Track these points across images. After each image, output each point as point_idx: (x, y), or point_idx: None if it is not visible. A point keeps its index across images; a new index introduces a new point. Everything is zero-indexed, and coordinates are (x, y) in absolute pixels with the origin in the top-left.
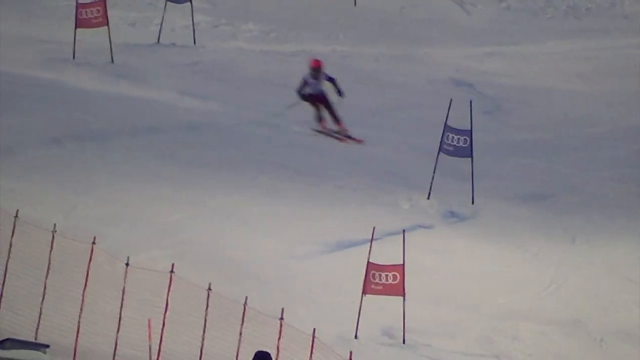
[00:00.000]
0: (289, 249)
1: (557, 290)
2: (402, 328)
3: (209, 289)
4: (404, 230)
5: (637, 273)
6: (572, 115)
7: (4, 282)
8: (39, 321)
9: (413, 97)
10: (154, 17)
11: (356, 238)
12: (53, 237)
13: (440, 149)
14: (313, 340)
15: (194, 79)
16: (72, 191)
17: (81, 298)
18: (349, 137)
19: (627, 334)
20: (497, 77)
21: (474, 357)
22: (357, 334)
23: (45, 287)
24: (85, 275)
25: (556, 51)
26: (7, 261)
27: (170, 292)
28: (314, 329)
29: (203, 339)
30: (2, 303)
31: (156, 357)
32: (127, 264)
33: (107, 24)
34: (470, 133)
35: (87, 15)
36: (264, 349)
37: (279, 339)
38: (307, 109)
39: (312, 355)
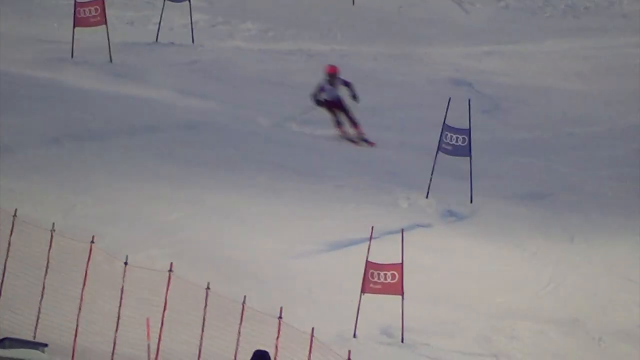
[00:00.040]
0: (287, 248)
1: (555, 289)
2: (401, 327)
3: (208, 288)
4: (402, 230)
5: (636, 272)
6: (571, 114)
7: (2, 281)
8: (37, 320)
9: (412, 96)
10: (152, 16)
11: (355, 237)
12: (52, 236)
13: (438, 148)
14: (312, 339)
15: (192, 78)
16: (71, 190)
17: (80, 297)
18: (365, 141)
19: (626, 334)
20: (495, 76)
21: (472, 356)
22: (356, 333)
23: (43, 286)
24: (84, 274)
25: (555, 50)
26: (6, 260)
27: (168, 291)
28: (312, 328)
29: (201, 338)
30: (0, 302)
31: (154, 356)
32: (125, 263)
33: (106, 23)
34: (468, 132)
35: (85, 14)
36: (263, 348)
37: (278, 338)
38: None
39: (311, 354)
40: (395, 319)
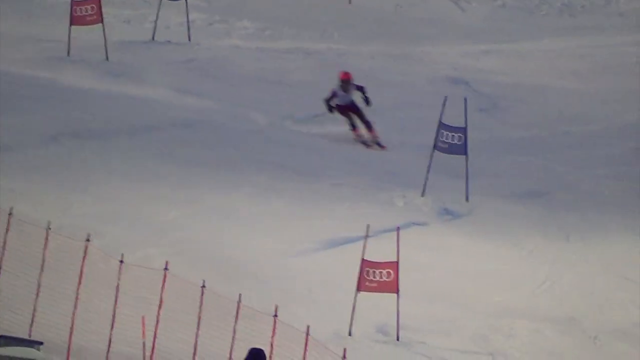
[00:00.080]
0: (284, 247)
1: (552, 287)
2: (397, 325)
3: (203, 286)
4: (398, 228)
5: (632, 271)
6: (568, 112)
7: None
8: (33, 318)
9: (411, 95)
10: (148, 14)
11: (351, 235)
12: (47, 234)
13: (434, 147)
14: (307, 338)
15: (189, 77)
16: (69, 189)
17: (75, 295)
18: (378, 144)
19: (622, 332)
20: (492, 74)
21: (468, 354)
22: (352, 331)
23: (39, 285)
24: (80, 272)
25: (551, 49)
26: (2, 258)
27: (164, 290)
28: (308, 326)
29: (197, 336)
30: None
31: (150, 354)
32: (121, 262)
33: (102, 22)
34: (465, 130)
35: (81, 12)
36: (258, 346)
37: (273, 336)
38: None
39: (307, 352)
40: (391, 317)
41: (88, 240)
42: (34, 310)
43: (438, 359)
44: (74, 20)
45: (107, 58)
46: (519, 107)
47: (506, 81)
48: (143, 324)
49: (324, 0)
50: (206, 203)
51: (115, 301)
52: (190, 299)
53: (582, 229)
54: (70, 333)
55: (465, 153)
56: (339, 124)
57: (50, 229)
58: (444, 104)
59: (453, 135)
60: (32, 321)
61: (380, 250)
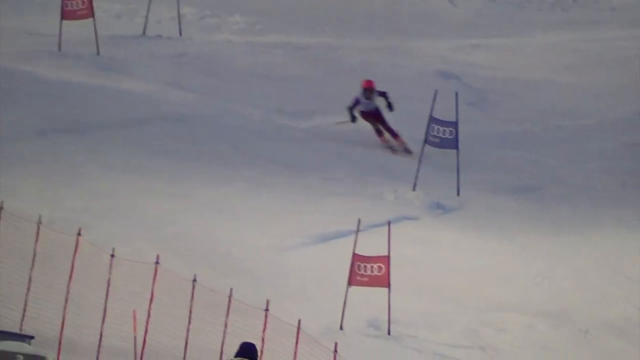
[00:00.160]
0: (275, 241)
1: (543, 282)
2: (388, 319)
3: (194, 280)
4: (389, 222)
5: (624, 265)
6: (560, 107)
7: None
8: (23, 312)
9: (400, 89)
10: (139, 9)
11: (341, 230)
12: (38, 228)
13: (425, 141)
14: (298, 332)
15: (180, 71)
16: (60, 183)
17: (66, 290)
18: (405, 150)
19: (613, 326)
20: (483, 69)
21: (459, 348)
22: (343, 325)
23: (30, 279)
24: (71, 267)
25: (543, 43)
26: None
27: (155, 284)
28: (299, 321)
29: (188, 331)
30: None
31: (141, 348)
32: (112, 256)
33: (93, 16)
34: (456, 124)
35: (72, 7)
36: (250, 341)
37: (264, 330)
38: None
39: (298, 346)
40: (382, 312)
41: (79, 234)
42: (25, 304)
43: (429, 353)
44: (64, 15)
45: (98, 52)
46: (511, 101)
47: (497, 75)
48: (134, 318)
49: None
50: (197, 197)
51: (107, 295)
52: (181, 293)
53: (575, 223)
54: (62, 327)
55: (457, 147)
56: (329, 119)
57: (41, 223)
58: (434, 98)
59: (444, 130)
60: (24, 315)
61: (371, 245)
